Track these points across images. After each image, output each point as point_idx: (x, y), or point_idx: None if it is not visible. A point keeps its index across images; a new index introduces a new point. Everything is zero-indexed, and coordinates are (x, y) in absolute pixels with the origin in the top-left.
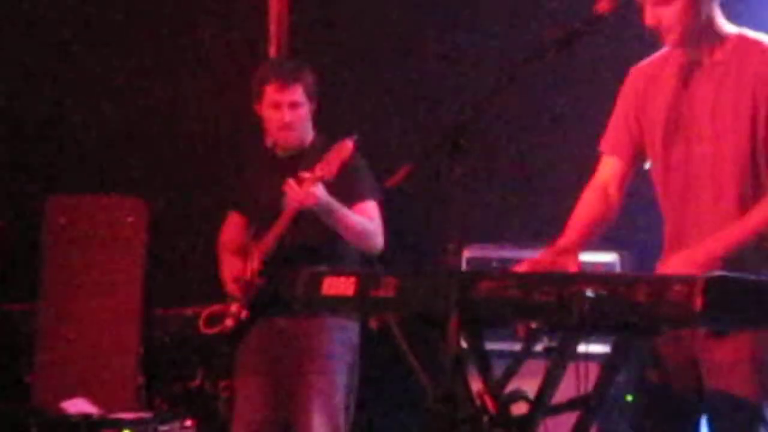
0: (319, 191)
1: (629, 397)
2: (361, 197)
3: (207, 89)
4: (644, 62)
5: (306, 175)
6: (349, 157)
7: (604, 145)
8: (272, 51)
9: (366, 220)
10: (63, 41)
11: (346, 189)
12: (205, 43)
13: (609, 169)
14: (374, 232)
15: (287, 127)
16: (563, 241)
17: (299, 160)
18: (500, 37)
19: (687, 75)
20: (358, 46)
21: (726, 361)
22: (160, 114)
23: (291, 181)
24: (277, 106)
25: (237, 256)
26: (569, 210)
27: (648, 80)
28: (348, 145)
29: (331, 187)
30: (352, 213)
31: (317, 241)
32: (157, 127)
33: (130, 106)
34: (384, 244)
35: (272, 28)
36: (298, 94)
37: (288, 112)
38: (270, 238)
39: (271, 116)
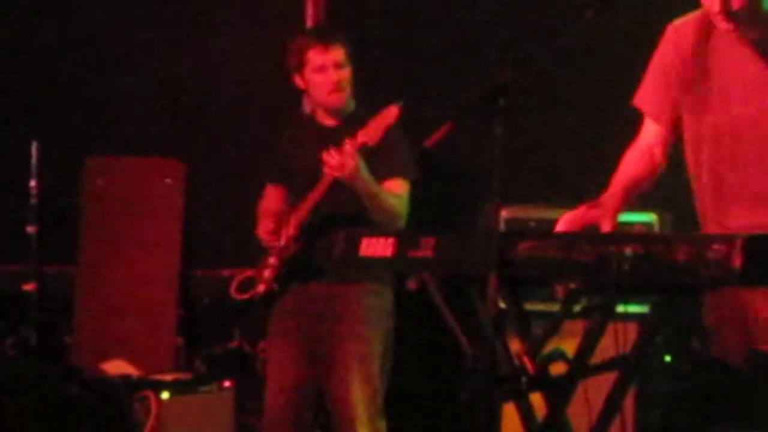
0: (354, 164)
1: (668, 358)
2: (393, 174)
3: (244, 53)
4: (682, 20)
5: (348, 142)
6: (395, 122)
7: (647, 106)
8: (309, 13)
9: (396, 200)
10: (103, 4)
11: (379, 163)
12: (242, 6)
13: (653, 131)
14: (400, 214)
15: (336, 87)
16: (603, 198)
17: (341, 130)
18: None
19: (726, 36)
20: (395, 7)
21: None
22: (198, 77)
23: (331, 150)
24: (322, 68)
25: (272, 220)
26: (608, 170)
27: (688, 40)
28: (393, 110)
29: (368, 157)
30: (385, 193)
31: (354, 210)
32: (194, 90)
33: (168, 69)
34: (406, 223)
35: None
36: (341, 54)
37: (334, 72)
38: (306, 206)
39: (317, 80)
